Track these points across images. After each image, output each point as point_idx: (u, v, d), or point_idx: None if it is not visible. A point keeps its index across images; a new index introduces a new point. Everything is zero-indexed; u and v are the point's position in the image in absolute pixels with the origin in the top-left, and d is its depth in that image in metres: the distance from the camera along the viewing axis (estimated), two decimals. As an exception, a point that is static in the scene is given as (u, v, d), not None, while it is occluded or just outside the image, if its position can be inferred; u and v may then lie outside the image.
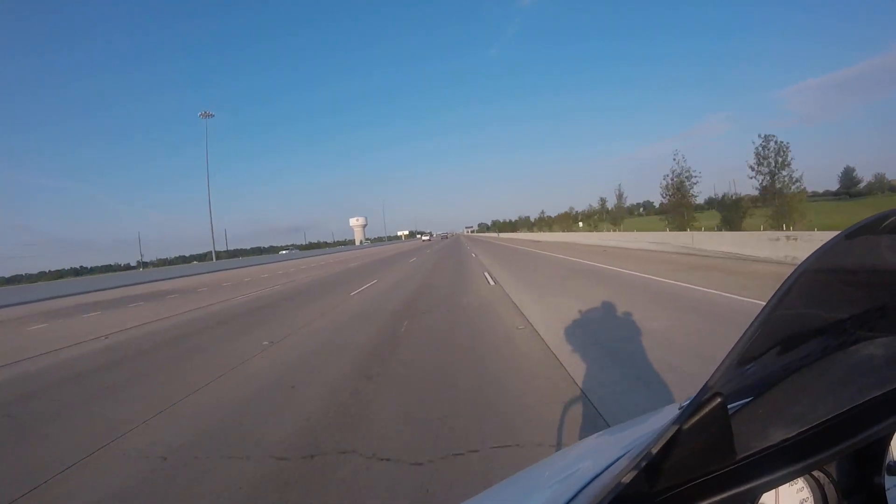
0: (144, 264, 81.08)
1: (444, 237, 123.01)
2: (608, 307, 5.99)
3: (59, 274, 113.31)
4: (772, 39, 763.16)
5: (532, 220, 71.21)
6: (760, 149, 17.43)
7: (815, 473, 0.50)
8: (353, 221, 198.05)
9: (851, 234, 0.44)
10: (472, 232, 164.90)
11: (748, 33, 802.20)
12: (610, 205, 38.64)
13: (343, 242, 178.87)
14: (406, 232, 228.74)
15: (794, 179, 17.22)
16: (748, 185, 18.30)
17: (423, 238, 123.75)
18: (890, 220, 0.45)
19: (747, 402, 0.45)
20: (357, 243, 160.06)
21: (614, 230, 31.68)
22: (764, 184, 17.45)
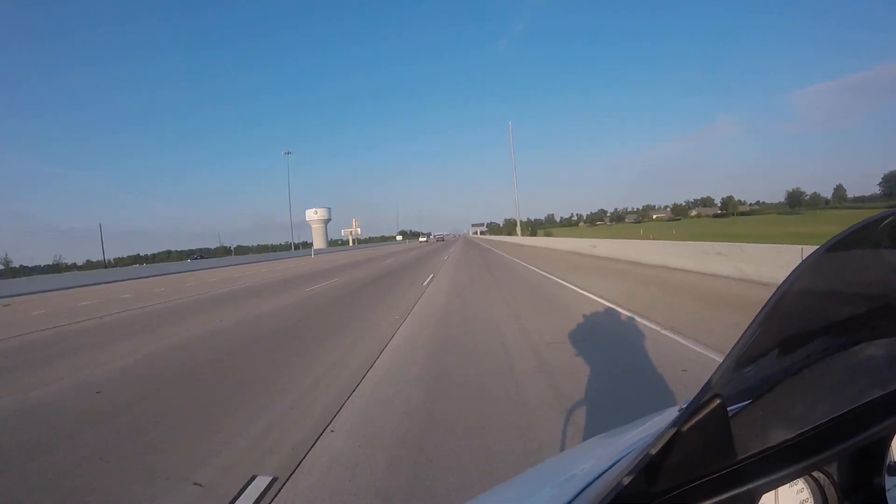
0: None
1: (440, 239, 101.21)
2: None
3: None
4: (780, 43, 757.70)
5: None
6: None
7: (816, 474, 0.50)
8: (310, 214, 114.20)
9: (851, 233, 0.44)
10: (482, 233, 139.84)
11: (753, 37, 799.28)
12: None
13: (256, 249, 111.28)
14: (356, 229, 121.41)
15: None
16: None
17: (421, 239, 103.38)
18: (889, 220, 0.45)
19: (747, 404, 0.45)
20: (317, 246, 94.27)
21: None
22: None
